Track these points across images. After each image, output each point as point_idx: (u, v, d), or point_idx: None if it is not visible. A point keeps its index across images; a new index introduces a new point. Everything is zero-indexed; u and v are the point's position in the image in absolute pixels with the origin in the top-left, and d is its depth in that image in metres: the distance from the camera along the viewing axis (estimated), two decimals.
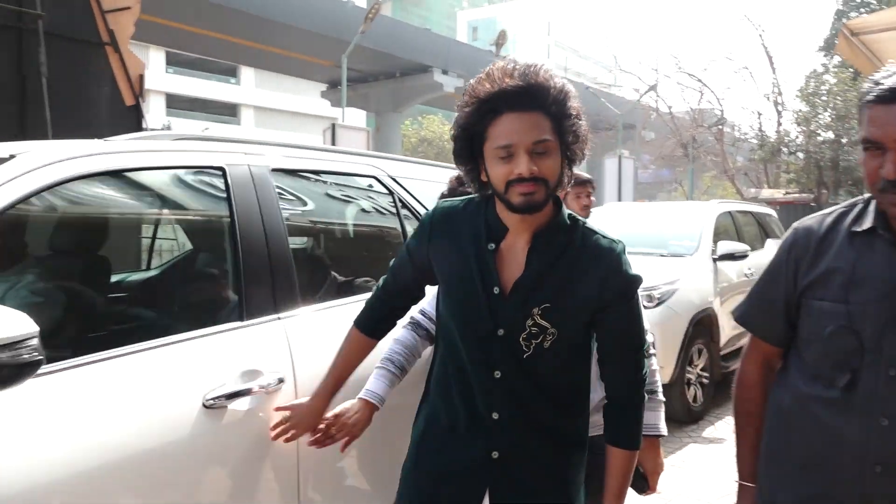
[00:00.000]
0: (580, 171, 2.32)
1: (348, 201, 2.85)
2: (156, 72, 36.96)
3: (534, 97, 1.40)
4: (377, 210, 2.83)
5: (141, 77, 8.53)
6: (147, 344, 1.74)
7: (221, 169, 2.06)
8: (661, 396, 2.16)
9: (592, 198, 3.17)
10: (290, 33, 22.97)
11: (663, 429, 2.14)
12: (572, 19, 69.44)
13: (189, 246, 3.10)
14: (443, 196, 2.25)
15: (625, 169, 19.02)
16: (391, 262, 1.73)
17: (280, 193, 2.24)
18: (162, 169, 2.07)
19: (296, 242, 2.65)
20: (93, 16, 8.76)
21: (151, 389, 1.68)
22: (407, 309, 1.79)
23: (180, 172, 2.16)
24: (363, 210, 2.87)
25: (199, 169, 2.11)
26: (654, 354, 2.19)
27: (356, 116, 37.73)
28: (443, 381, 1.58)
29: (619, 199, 17.39)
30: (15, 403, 1.44)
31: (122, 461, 1.55)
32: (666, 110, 25.21)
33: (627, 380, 1.56)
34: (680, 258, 6.16)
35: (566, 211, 1.53)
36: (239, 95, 43.46)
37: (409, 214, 2.65)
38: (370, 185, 2.71)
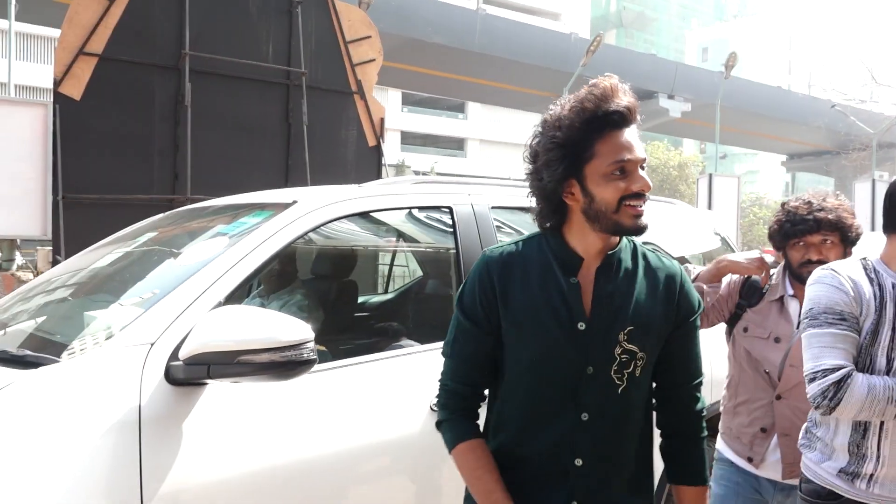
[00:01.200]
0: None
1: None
2: (392, 111, 40.28)
3: (635, 116, 1.40)
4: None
5: (382, 120, 9.56)
6: (386, 354, 2.11)
7: (449, 208, 2.40)
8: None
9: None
10: (514, 68, 23.89)
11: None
12: (816, 32, 63.49)
13: (419, 273, 3.53)
14: None
15: (880, 194, 16.94)
16: (448, 354, 1.49)
17: (498, 227, 2.53)
18: (402, 209, 2.47)
19: None
20: (345, 69, 10.03)
21: (388, 391, 2.04)
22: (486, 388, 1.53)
23: (415, 211, 2.54)
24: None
25: (432, 208, 2.47)
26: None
27: None
28: (511, 433, 1.45)
29: (873, 229, 15.56)
30: (293, 393, 1.86)
31: (368, 447, 1.92)
32: None
33: (691, 411, 1.52)
34: None
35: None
36: (466, 130, 45.83)
37: None
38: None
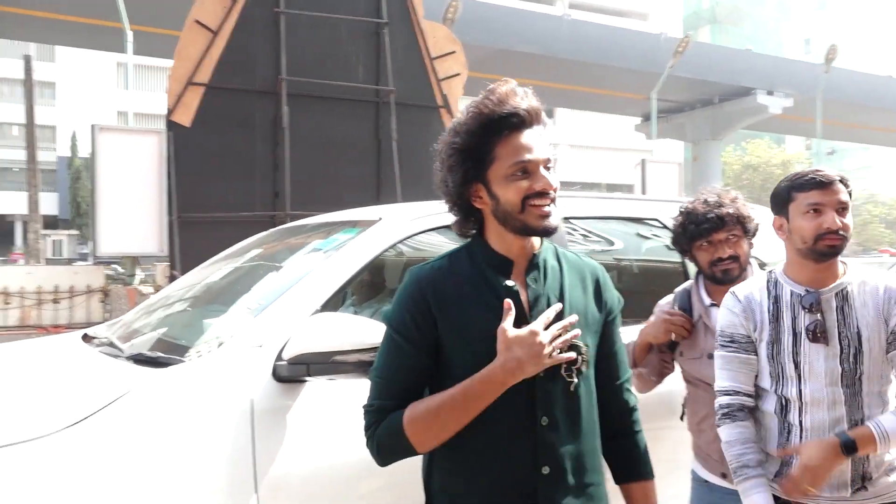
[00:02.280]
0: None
1: (633, 241, 3.17)
2: None
3: (537, 116, 1.39)
4: (663, 248, 3.10)
5: None
6: None
7: None
8: None
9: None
10: (603, 72, 23.65)
11: None
12: None
13: None
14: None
15: None
16: (375, 375, 1.41)
17: (570, 238, 2.67)
18: None
19: None
20: (430, 85, 10.39)
21: None
22: None
23: None
24: (646, 249, 3.16)
25: None
26: None
27: (672, 147, 36.93)
28: (471, 453, 1.37)
29: None
30: None
31: None
32: None
33: (630, 406, 1.54)
34: None
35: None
36: (555, 136, 45.61)
37: None
38: (653, 226, 3.00)
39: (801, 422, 1.72)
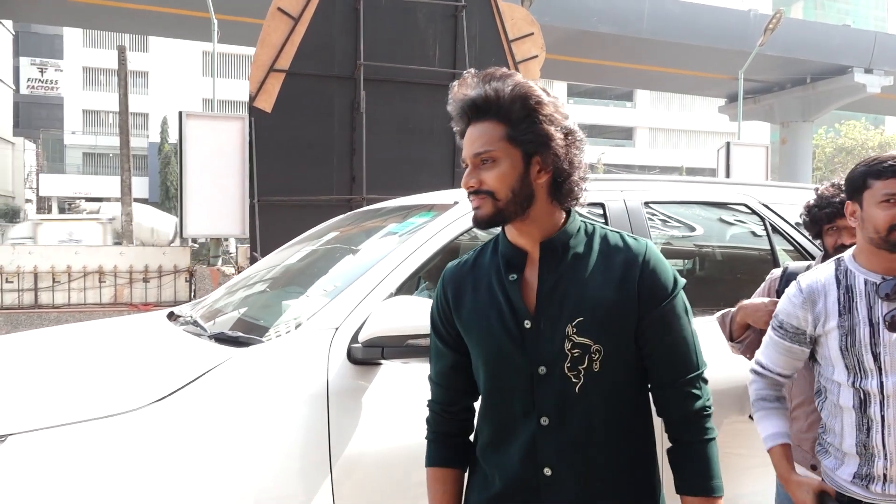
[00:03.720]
0: None
1: (720, 226, 3.04)
2: None
3: (482, 106, 1.30)
4: (749, 234, 2.96)
5: None
6: None
7: (601, 204, 2.50)
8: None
9: None
10: (687, 52, 22.82)
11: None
12: None
13: None
14: (806, 220, 2.25)
15: None
16: (429, 375, 1.50)
17: (651, 222, 2.58)
18: None
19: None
20: (508, 67, 10.27)
21: None
22: (473, 410, 1.47)
23: None
24: (734, 234, 3.02)
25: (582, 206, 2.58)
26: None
27: (760, 130, 35.36)
28: (485, 445, 1.39)
29: None
30: None
31: None
32: None
33: (686, 412, 1.34)
34: None
35: (579, 219, 1.38)
36: (634, 119, 44.45)
37: (782, 238, 2.75)
38: (741, 211, 2.87)
39: (883, 416, 1.61)
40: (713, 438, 1.35)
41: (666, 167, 40.05)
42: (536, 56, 10.39)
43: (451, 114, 1.35)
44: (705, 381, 1.37)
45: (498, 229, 1.38)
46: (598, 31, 20.78)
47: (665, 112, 43.10)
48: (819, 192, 2.15)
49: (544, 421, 1.30)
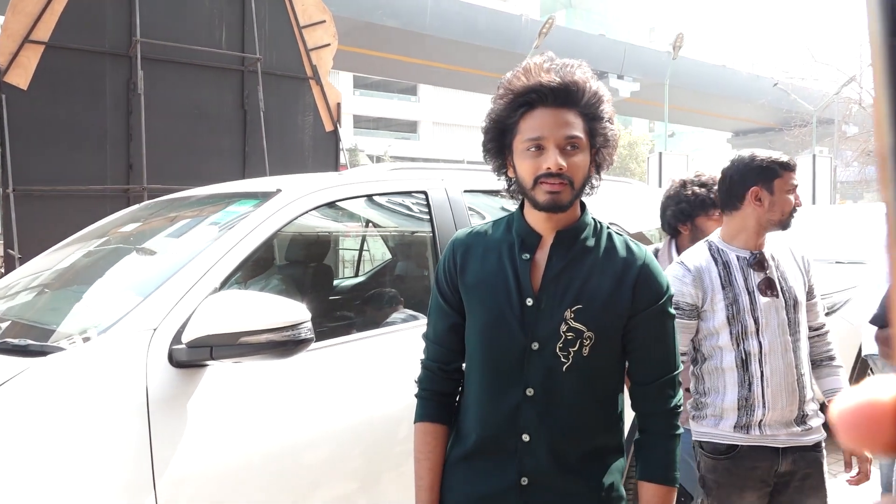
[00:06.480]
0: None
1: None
2: (344, 95, 39.82)
3: (568, 95, 1.37)
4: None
5: (338, 105, 9.57)
6: (362, 334, 2.22)
7: (424, 192, 2.52)
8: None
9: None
10: (466, 50, 23.93)
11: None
12: (761, 10, 64.92)
13: (390, 256, 3.64)
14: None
15: (820, 168, 17.68)
16: (425, 334, 1.57)
17: (471, 210, 2.66)
18: (381, 195, 2.58)
19: None
20: (299, 54, 9.98)
21: (372, 369, 2.15)
22: (463, 372, 1.55)
23: (392, 197, 2.65)
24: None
25: (408, 193, 2.59)
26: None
27: None
28: (470, 405, 1.48)
29: (814, 202, 16.19)
30: (293, 370, 1.96)
31: (359, 423, 2.03)
32: (871, 102, 22.97)
33: (659, 410, 1.46)
34: (859, 265, 5.87)
35: (591, 215, 1.49)
36: (418, 112, 45.72)
37: None
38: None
39: (762, 371, 1.92)
40: (678, 434, 1.48)
41: (449, 160, 41.72)
42: (329, 45, 10.23)
43: (510, 86, 1.39)
44: (679, 382, 1.49)
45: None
46: (384, 24, 21.04)
47: (448, 107, 44.82)
48: (695, 182, 2.57)
49: (529, 392, 1.40)
